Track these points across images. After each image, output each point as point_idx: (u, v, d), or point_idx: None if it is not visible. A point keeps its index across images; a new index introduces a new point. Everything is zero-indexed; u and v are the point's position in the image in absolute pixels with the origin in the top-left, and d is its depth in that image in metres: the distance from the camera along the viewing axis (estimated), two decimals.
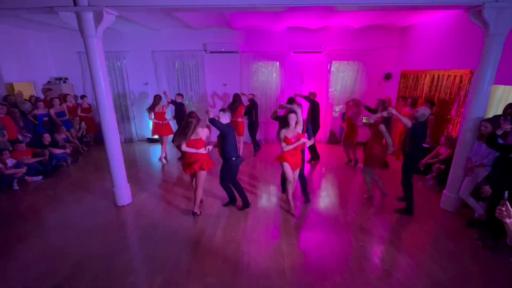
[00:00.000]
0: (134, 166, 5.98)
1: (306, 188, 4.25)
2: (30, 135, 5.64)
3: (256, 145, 6.64)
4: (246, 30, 7.00)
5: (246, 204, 4.07)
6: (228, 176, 3.89)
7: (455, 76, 4.88)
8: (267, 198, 4.51)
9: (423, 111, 3.66)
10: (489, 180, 3.23)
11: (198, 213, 3.88)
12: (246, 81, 7.35)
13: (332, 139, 7.75)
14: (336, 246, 3.27)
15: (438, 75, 5.36)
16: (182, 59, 7.29)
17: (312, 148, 5.99)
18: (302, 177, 4.15)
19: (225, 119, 3.70)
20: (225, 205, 4.19)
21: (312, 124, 5.02)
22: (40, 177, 5.23)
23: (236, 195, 4.13)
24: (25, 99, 6.23)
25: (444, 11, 5.09)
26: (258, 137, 7.32)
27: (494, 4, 3.12)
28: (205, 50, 7.12)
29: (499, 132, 3.02)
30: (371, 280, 2.74)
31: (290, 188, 3.92)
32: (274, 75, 7.44)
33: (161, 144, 6.02)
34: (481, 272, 2.83)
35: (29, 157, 5.24)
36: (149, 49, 7.23)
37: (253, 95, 6.45)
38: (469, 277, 2.77)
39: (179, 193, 4.65)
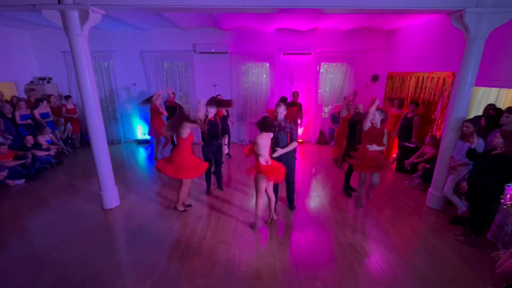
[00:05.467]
0: (122, 168, 5.86)
1: (292, 195, 4.05)
2: (11, 137, 5.43)
3: None
4: (236, 31, 7.01)
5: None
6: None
7: (439, 78, 5.05)
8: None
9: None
10: (469, 177, 3.37)
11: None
12: (236, 82, 7.35)
13: (322, 140, 7.85)
14: (326, 245, 3.32)
15: (423, 77, 5.53)
16: (171, 60, 7.20)
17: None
18: (290, 183, 3.96)
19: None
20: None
21: None
22: (23, 180, 5.05)
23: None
24: (6, 100, 6.00)
25: (428, 15, 5.26)
26: (243, 137, 7.71)
27: (474, 9, 3.25)
28: (195, 51, 7.07)
29: (472, 146, 3.25)
30: (360, 277, 2.79)
31: (260, 202, 3.44)
32: (264, 76, 7.47)
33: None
34: (464, 267, 2.93)
35: (11, 160, 5.04)
36: (137, 49, 7.12)
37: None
38: (453, 271, 2.86)
39: (169, 195, 4.58)
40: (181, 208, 4.00)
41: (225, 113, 5.57)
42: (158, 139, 6.06)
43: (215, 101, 4.34)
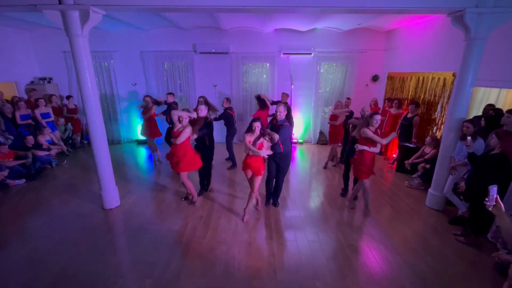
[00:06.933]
0: (122, 168, 5.86)
1: (276, 194, 4.17)
2: (12, 137, 5.44)
3: None
4: (236, 31, 7.01)
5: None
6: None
7: (439, 78, 5.04)
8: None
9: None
10: (467, 177, 3.37)
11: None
12: (237, 82, 7.35)
13: (322, 140, 7.85)
14: (326, 245, 3.32)
15: (423, 77, 5.53)
16: (172, 60, 7.21)
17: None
18: (279, 184, 4.09)
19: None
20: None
21: None
22: (23, 180, 5.05)
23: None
24: (6, 100, 6.01)
25: (428, 15, 5.26)
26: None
27: (474, 9, 3.25)
28: (195, 51, 7.07)
29: (469, 150, 3.27)
30: (360, 277, 2.79)
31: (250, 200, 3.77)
32: (264, 76, 7.47)
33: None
34: (464, 266, 2.93)
35: (11, 159, 5.05)
36: (137, 49, 7.12)
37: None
38: (453, 271, 2.86)
39: (169, 195, 4.59)
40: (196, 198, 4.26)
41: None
42: (151, 141, 5.94)
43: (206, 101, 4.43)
